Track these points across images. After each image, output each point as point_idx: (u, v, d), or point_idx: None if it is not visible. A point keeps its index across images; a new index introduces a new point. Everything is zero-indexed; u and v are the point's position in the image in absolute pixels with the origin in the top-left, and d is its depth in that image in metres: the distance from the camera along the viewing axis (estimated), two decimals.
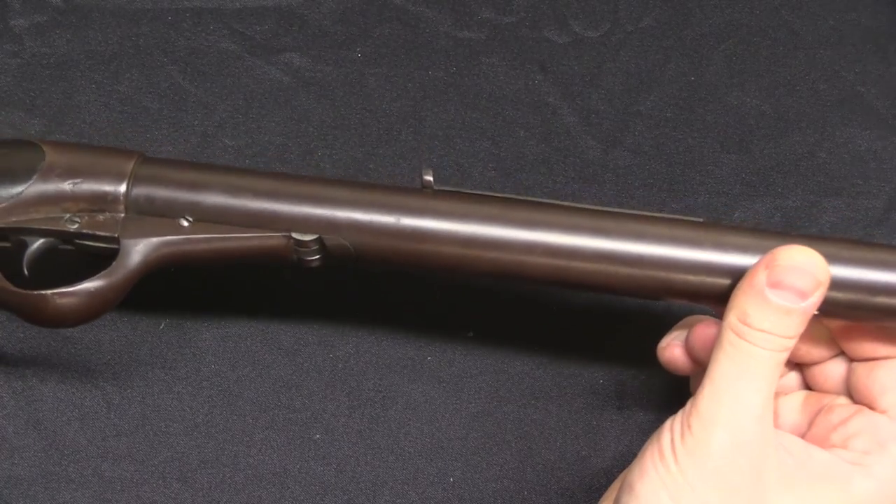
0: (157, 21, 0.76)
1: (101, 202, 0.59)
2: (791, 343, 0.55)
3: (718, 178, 0.74)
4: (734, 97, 0.76)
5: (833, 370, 0.60)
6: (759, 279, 0.55)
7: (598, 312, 0.66)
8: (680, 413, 0.55)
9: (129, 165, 0.59)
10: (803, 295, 0.55)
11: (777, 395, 0.61)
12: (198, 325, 0.69)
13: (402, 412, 0.67)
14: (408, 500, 0.66)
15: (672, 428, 0.55)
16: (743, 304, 0.55)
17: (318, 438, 0.67)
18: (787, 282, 0.55)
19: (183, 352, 0.68)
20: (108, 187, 0.59)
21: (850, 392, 0.60)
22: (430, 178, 0.59)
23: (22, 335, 0.68)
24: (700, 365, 0.60)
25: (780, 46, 0.78)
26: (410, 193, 0.59)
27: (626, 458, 0.66)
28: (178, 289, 0.69)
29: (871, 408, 0.58)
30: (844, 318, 0.58)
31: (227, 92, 0.74)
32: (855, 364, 0.60)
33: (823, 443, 0.58)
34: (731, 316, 0.55)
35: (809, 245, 0.56)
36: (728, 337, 0.55)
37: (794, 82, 0.77)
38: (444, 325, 0.69)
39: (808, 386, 0.62)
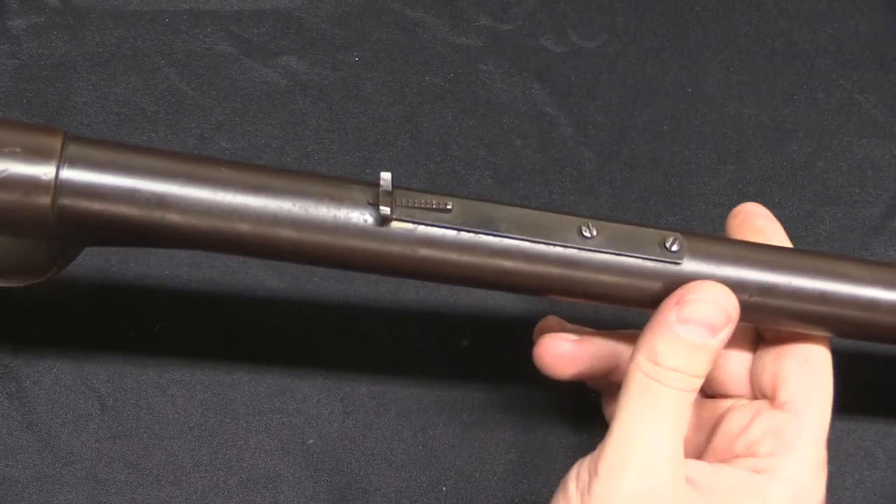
0: (154, 23, 0.76)
1: None
2: (699, 382, 0.54)
3: (715, 189, 0.74)
4: (732, 108, 0.76)
5: (736, 364, 0.59)
6: (669, 316, 0.54)
7: (592, 322, 0.66)
8: (587, 458, 0.54)
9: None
10: (714, 330, 0.54)
11: None
12: (192, 328, 0.69)
13: (395, 419, 0.67)
14: None
15: (578, 475, 0.53)
16: (652, 342, 0.53)
17: (312, 444, 0.67)
18: (698, 317, 0.54)
19: (177, 354, 0.68)
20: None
21: (752, 384, 0.58)
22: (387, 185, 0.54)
23: (17, 337, 0.68)
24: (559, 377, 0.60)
25: (778, 56, 0.78)
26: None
27: None
28: (173, 292, 0.69)
29: (771, 400, 0.57)
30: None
31: (224, 94, 0.74)
32: (760, 354, 0.58)
33: (728, 455, 0.56)
34: (640, 355, 0.53)
35: None
36: (636, 377, 0.53)
37: (791, 92, 0.77)
38: (439, 333, 0.69)
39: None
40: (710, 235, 0.58)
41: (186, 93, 0.74)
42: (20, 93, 0.73)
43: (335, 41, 0.76)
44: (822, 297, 0.57)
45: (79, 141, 0.52)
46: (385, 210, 0.53)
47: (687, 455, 0.54)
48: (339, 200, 0.53)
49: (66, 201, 0.52)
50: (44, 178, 0.51)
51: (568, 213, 0.56)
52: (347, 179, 0.55)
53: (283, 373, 0.68)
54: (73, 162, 0.51)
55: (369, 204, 0.53)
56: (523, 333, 0.69)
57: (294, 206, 0.53)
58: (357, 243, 0.53)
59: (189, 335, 0.69)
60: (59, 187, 0.51)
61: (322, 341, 0.69)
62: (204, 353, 0.68)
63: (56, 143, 0.52)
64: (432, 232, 0.54)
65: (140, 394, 0.67)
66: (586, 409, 0.68)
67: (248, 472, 0.66)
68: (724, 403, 0.59)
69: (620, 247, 0.55)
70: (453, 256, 0.54)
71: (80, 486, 0.65)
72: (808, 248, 0.59)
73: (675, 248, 0.55)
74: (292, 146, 0.73)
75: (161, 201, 0.52)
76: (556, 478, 0.66)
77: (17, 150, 0.51)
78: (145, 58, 0.75)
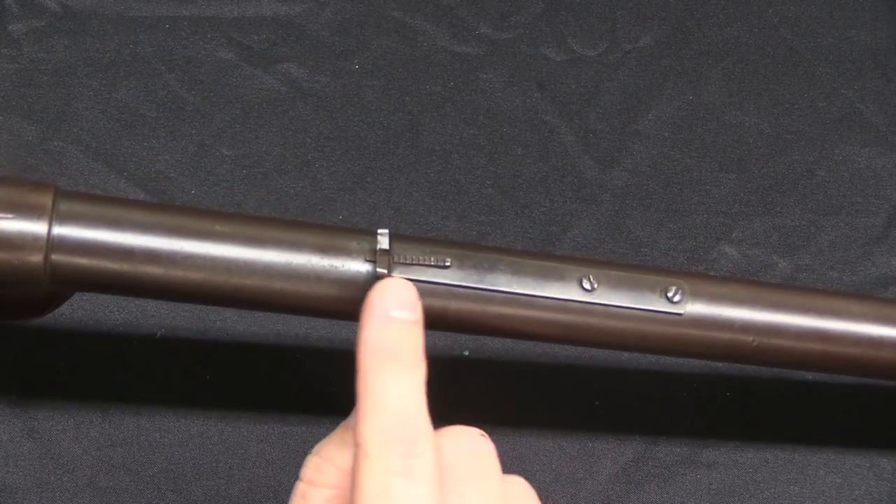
0: (154, 29, 0.76)
1: None
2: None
3: (717, 197, 0.74)
4: (733, 116, 0.76)
5: None
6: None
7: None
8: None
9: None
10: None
11: None
12: (194, 336, 0.69)
13: None
14: None
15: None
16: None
17: None
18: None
19: (178, 362, 0.68)
20: None
21: None
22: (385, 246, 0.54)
23: (18, 343, 0.67)
24: None
25: (779, 64, 0.78)
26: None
27: (621, 480, 0.66)
28: None
29: None
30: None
31: (224, 101, 0.74)
32: None
33: None
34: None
35: None
36: None
37: (792, 100, 0.77)
38: (439, 343, 0.69)
39: None
40: (714, 278, 0.59)
41: (187, 99, 0.74)
42: (20, 98, 0.73)
43: (335, 49, 0.76)
44: (825, 338, 0.57)
45: (69, 197, 0.52)
46: (382, 270, 0.53)
47: None
48: (335, 255, 0.53)
49: (58, 258, 0.52)
50: (36, 238, 0.51)
51: (569, 261, 0.56)
52: (345, 231, 0.55)
53: (285, 381, 0.68)
54: (65, 219, 0.52)
55: (366, 260, 0.54)
56: (526, 343, 0.69)
57: (290, 261, 0.53)
58: (354, 298, 0.53)
59: (190, 342, 0.69)
60: (51, 245, 0.51)
61: (324, 349, 0.69)
62: (205, 360, 0.68)
63: (47, 200, 0.52)
64: (430, 288, 0.54)
65: (141, 401, 0.67)
66: (590, 419, 0.68)
67: (249, 482, 0.66)
68: None
69: (621, 299, 0.55)
70: (451, 307, 0.55)
71: (80, 494, 0.65)
72: (810, 287, 0.59)
73: (676, 298, 0.56)
74: (292, 154, 0.73)
75: (154, 257, 0.52)
76: (557, 491, 0.67)
77: (9, 215, 0.51)
78: (146, 64, 0.75)
